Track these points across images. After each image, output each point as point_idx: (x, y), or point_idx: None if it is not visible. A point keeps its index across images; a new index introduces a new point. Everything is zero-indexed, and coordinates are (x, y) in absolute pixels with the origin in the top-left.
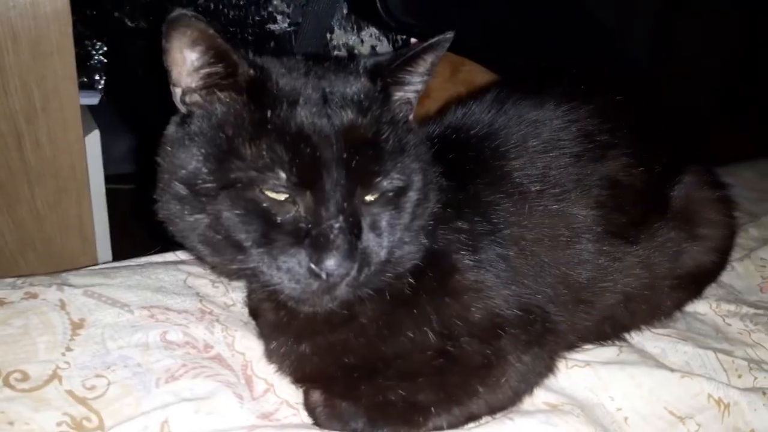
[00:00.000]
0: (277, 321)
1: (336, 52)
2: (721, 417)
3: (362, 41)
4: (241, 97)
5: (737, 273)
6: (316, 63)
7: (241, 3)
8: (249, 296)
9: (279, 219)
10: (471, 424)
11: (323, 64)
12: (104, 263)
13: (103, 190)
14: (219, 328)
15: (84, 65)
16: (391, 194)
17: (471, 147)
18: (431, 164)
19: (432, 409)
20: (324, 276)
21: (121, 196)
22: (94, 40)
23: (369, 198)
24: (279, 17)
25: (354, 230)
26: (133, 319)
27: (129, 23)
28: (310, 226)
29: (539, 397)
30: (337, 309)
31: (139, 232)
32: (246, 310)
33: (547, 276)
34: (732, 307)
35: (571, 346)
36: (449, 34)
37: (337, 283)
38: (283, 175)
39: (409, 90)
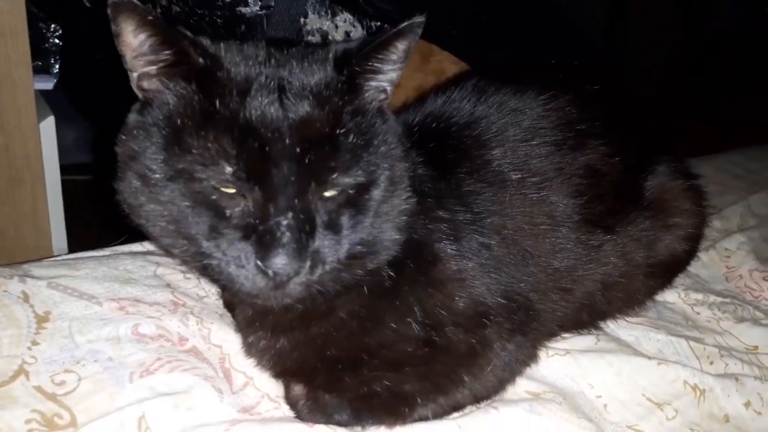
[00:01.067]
0: (252, 315)
1: (310, 38)
2: (697, 403)
3: (336, 27)
4: (190, 86)
5: (703, 263)
6: (280, 50)
7: None
8: (223, 288)
9: (228, 212)
10: (455, 414)
11: (287, 51)
12: (67, 254)
13: (59, 180)
14: (193, 320)
15: (38, 48)
16: (352, 191)
17: (452, 135)
18: (405, 158)
19: (417, 399)
20: (271, 274)
21: (77, 186)
22: (49, 22)
23: (328, 194)
24: (250, 0)
25: (305, 228)
26: (101, 312)
27: (87, 3)
28: (257, 221)
29: (521, 385)
30: (307, 304)
31: (95, 223)
32: (221, 302)
33: (528, 264)
34: (700, 296)
35: (552, 335)
36: (420, 18)
37: (285, 282)
38: (229, 169)
39: (383, 79)
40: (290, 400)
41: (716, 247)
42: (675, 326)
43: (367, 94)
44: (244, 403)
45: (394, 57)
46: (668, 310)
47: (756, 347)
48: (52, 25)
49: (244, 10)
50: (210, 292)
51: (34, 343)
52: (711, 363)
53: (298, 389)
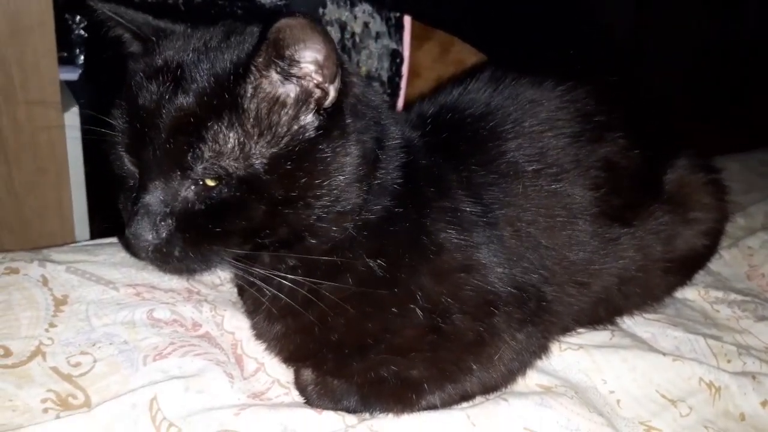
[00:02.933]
0: (252, 299)
1: (329, 28)
2: (712, 400)
3: (355, 17)
4: (132, 65)
5: (725, 261)
6: (229, 35)
7: None
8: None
9: (127, 182)
10: (464, 404)
11: (231, 38)
12: (87, 240)
13: (82, 171)
14: (207, 307)
15: (63, 40)
16: (224, 187)
17: (466, 126)
18: (333, 170)
19: (425, 385)
20: (131, 239)
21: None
22: (74, 13)
23: (210, 183)
24: None
25: (162, 209)
26: (118, 297)
27: None
28: (135, 193)
29: (532, 378)
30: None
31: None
32: (235, 290)
33: (543, 257)
34: (720, 294)
35: (566, 329)
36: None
37: (144, 248)
38: (120, 143)
39: (294, 75)
40: (299, 386)
41: (739, 245)
42: (693, 324)
43: (268, 91)
44: (255, 388)
45: (289, 52)
46: (687, 308)
47: None
48: (77, 17)
49: (264, 0)
50: (225, 279)
51: (52, 325)
52: (728, 361)
53: (307, 374)
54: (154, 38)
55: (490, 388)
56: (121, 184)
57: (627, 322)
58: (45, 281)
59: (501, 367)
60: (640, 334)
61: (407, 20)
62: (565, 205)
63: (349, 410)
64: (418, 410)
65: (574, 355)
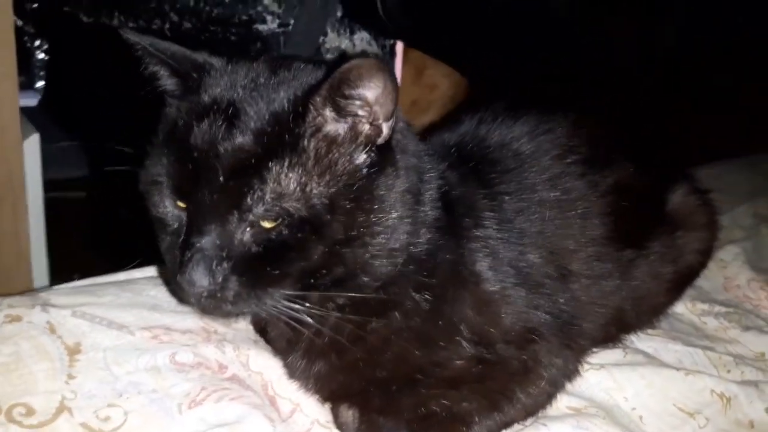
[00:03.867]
0: (284, 334)
1: (328, 56)
2: (724, 410)
3: (354, 45)
4: (173, 105)
5: (702, 274)
6: (275, 70)
7: (227, 1)
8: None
9: (170, 226)
10: None
11: (280, 73)
12: (82, 280)
13: (41, 200)
14: (230, 347)
15: (21, 64)
16: (292, 224)
17: (489, 156)
18: (403, 198)
19: (475, 417)
20: (186, 288)
21: (61, 205)
22: (35, 37)
23: (267, 225)
24: (269, 17)
25: (219, 254)
26: (135, 342)
27: (85, 19)
28: (182, 238)
29: (562, 401)
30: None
31: (78, 245)
32: (251, 328)
33: (568, 281)
34: (705, 306)
35: (587, 350)
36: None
37: (199, 293)
38: (168, 186)
39: (350, 112)
40: (341, 425)
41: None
42: (688, 336)
43: (327, 129)
44: (296, 430)
45: (353, 92)
46: (678, 321)
47: (763, 353)
48: (37, 41)
49: (261, 27)
50: (239, 317)
51: (70, 376)
52: (728, 371)
53: (348, 413)
54: (194, 74)
55: (530, 414)
56: (161, 226)
57: (631, 338)
58: (52, 328)
59: (543, 393)
60: (644, 349)
61: (399, 47)
62: (586, 229)
63: None
64: None
65: (596, 375)
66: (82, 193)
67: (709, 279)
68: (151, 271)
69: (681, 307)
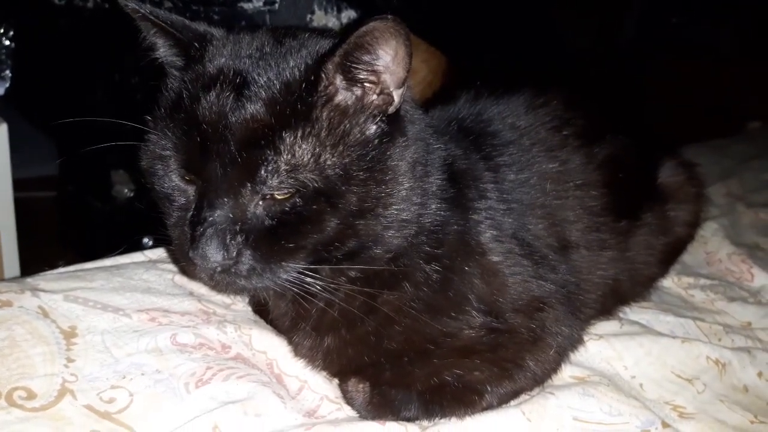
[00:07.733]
0: (289, 312)
1: None
2: (719, 376)
3: (341, 23)
4: (178, 77)
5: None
6: (280, 39)
7: None
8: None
9: (178, 201)
10: (513, 401)
11: (285, 42)
12: (69, 266)
13: (11, 190)
14: (231, 327)
15: None
16: (306, 194)
17: (488, 130)
18: (413, 166)
19: (486, 386)
20: (198, 263)
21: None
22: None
23: (279, 196)
24: None
25: (232, 226)
26: (132, 324)
27: (56, 1)
28: (194, 212)
29: (566, 371)
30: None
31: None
32: (249, 308)
33: (570, 252)
34: (691, 280)
35: (589, 320)
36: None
37: (211, 269)
38: (174, 160)
39: (364, 80)
40: (351, 399)
41: None
42: (677, 308)
43: (339, 98)
44: (306, 407)
45: (367, 57)
46: (666, 294)
47: (749, 323)
48: (2, 25)
49: (246, 5)
50: (236, 299)
51: (69, 359)
52: (719, 339)
53: (358, 387)
54: (196, 44)
55: (538, 383)
56: (167, 202)
57: (625, 310)
58: (45, 313)
59: (552, 361)
60: (638, 320)
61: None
62: (585, 200)
63: (409, 419)
64: (479, 411)
65: (596, 345)
66: (52, 193)
67: (691, 254)
68: (139, 256)
69: (668, 282)
